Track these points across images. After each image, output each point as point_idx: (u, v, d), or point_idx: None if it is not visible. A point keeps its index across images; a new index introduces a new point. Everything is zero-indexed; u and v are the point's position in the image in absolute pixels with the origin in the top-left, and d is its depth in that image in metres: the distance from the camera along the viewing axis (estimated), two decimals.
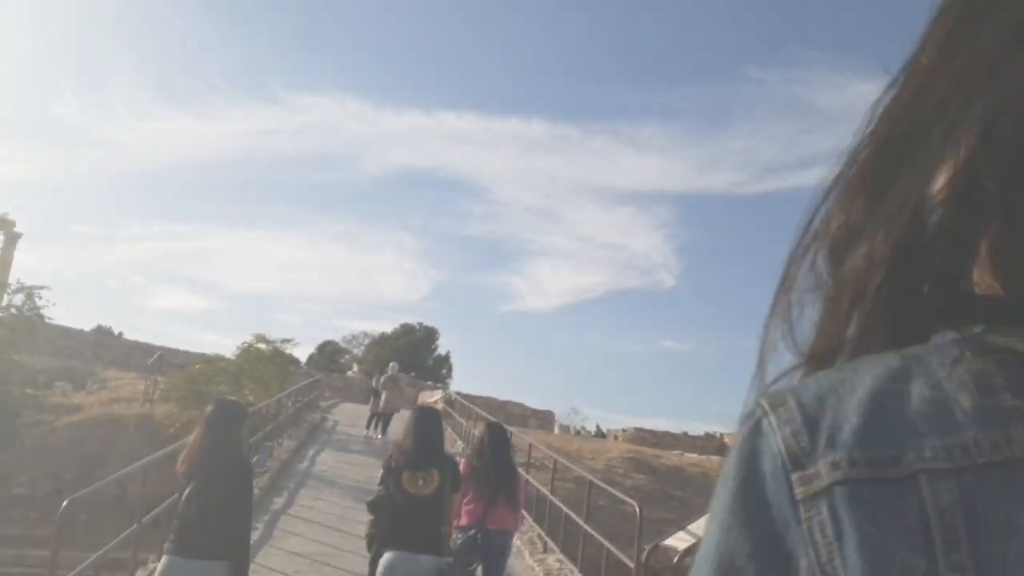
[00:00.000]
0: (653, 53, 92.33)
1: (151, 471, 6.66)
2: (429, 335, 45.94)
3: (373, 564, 4.47)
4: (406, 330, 45.76)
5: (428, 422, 4.71)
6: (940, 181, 0.39)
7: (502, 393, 28.30)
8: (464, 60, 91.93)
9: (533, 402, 28.11)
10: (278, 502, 10.18)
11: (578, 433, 30.06)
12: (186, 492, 4.20)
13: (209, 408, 4.58)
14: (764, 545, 0.36)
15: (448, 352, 45.99)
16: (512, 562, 7.85)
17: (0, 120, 70.74)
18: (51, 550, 5.02)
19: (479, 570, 5.61)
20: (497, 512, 5.52)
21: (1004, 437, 0.33)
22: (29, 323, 21.09)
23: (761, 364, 0.43)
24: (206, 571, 4.03)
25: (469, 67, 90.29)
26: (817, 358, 0.42)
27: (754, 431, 0.38)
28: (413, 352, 42.01)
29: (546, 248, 77.60)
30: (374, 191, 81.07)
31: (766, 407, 0.39)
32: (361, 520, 9.52)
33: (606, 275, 77.69)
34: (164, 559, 4.20)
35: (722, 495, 0.38)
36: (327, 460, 13.62)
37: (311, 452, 14.12)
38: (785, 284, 0.43)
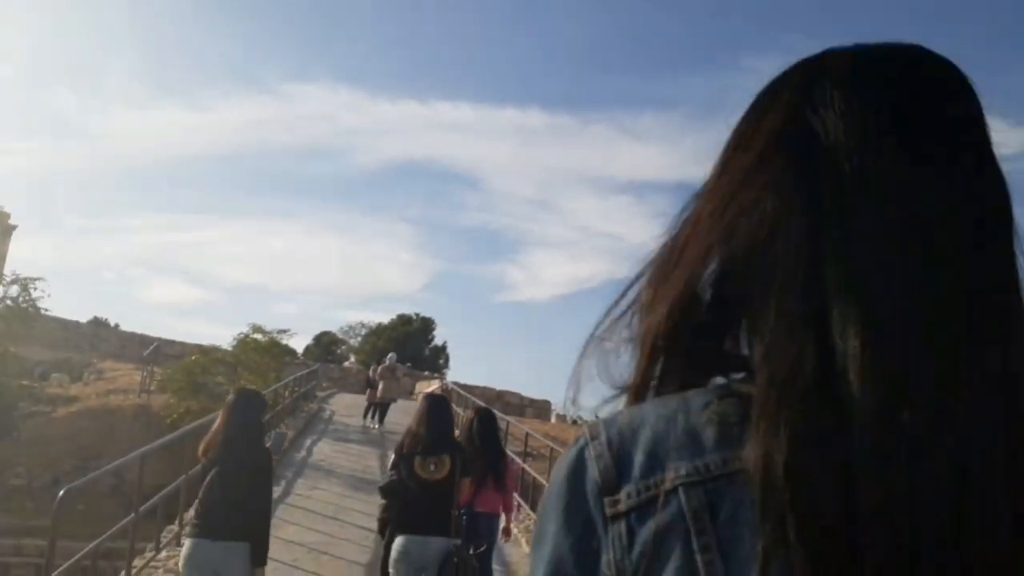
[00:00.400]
0: (650, 42, 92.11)
1: (148, 461, 6.65)
2: (426, 325, 45.96)
3: (387, 548, 4.63)
4: (403, 320, 45.77)
5: (439, 409, 4.88)
6: (709, 270, 0.57)
7: (499, 383, 28.34)
8: (460, 49, 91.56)
9: (531, 392, 28.10)
10: (276, 491, 10.14)
11: (575, 422, 30.13)
12: (209, 477, 4.34)
13: (230, 397, 4.73)
14: (583, 546, 0.53)
15: (445, 342, 45.99)
16: (510, 550, 7.88)
17: None
18: (48, 540, 5.02)
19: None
20: (485, 494, 5.73)
21: (732, 456, 0.51)
22: (25, 314, 21.07)
23: (577, 389, 0.61)
24: (229, 551, 4.17)
25: (465, 57, 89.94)
26: (634, 390, 0.59)
27: (578, 457, 0.56)
28: (410, 342, 42.03)
29: (543, 238, 77.57)
30: (370, 182, 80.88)
31: (588, 437, 0.56)
32: (358, 509, 9.56)
33: (604, 265, 77.61)
34: (188, 542, 4.33)
35: (556, 504, 0.55)
36: (324, 450, 13.64)
37: (308, 442, 14.13)
38: (600, 334, 0.60)
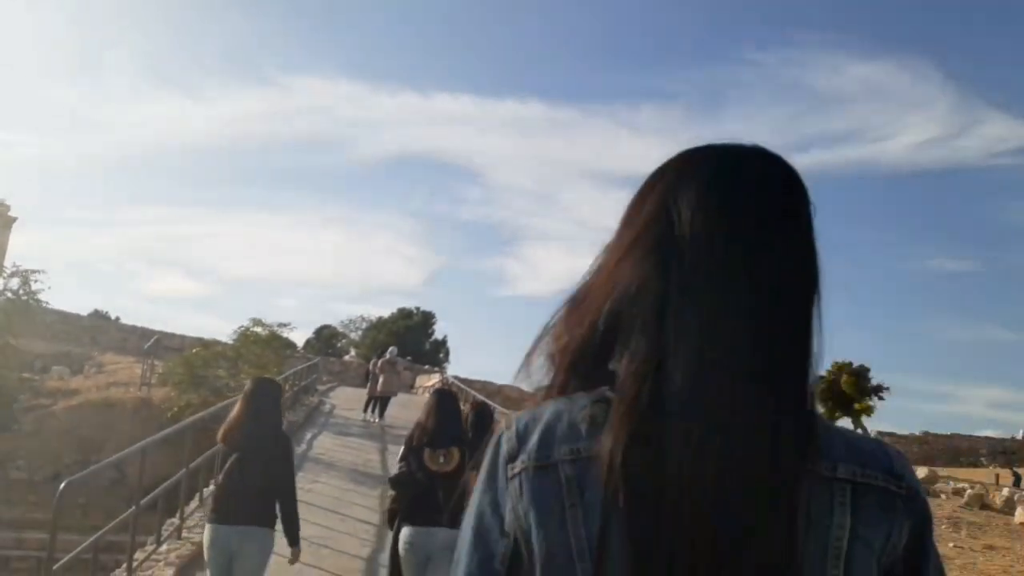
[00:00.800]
0: (651, 34, 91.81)
1: (149, 454, 6.66)
2: (426, 319, 45.96)
3: (395, 539, 4.69)
4: (403, 314, 45.77)
5: (448, 403, 4.96)
6: (606, 311, 0.79)
7: (499, 377, 28.32)
8: (460, 41, 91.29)
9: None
10: None
11: None
12: (229, 464, 4.48)
13: (248, 385, 4.85)
14: (497, 497, 0.79)
15: (445, 336, 46.03)
16: None
17: None
18: (49, 533, 5.02)
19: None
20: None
21: (593, 443, 0.74)
22: (25, 307, 21.03)
23: (528, 380, 0.86)
24: (245, 535, 4.31)
25: (465, 48, 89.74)
26: (546, 392, 0.84)
27: (497, 441, 0.82)
28: (410, 336, 42.04)
29: (543, 232, 77.60)
30: (370, 175, 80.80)
31: (504, 427, 0.82)
32: (358, 503, 9.57)
33: None
34: (207, 527, 4.46)
35: (482, 475, 0.81)
36: (325, 443, 13.65)
37: (309, 435, 14.14)
38: (530, 354, 0.85)
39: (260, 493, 4.40)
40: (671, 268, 0.75)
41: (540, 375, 0.85)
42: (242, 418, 4.57)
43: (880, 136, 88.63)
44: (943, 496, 19.63)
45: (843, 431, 0.78)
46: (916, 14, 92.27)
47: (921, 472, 21.89)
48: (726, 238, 0.75)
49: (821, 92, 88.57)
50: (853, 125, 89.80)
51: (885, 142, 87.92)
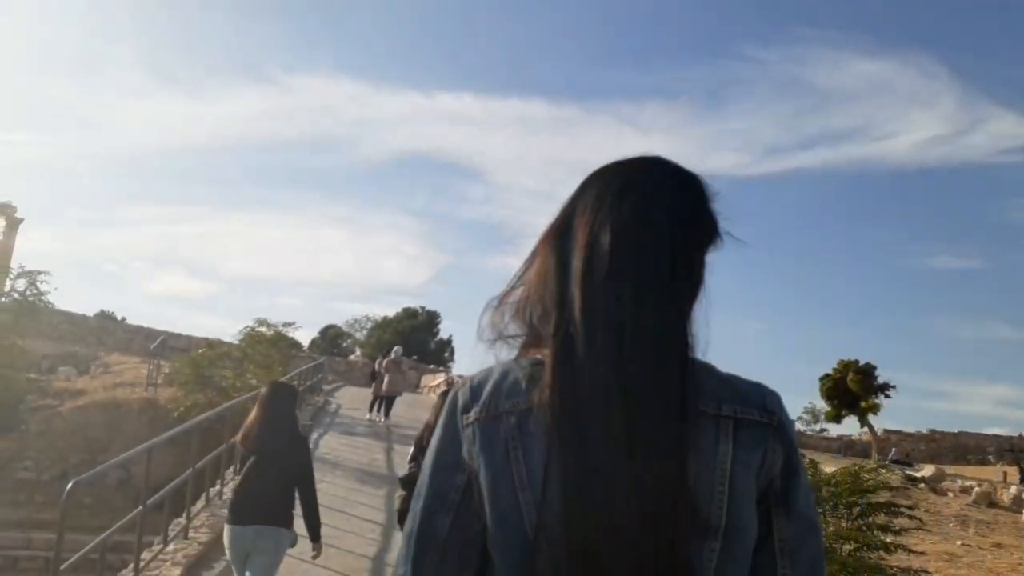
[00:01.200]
0: (653, 32, 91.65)
1: (155, 454, 6.67)
2: (431, 319, 45.96)
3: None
4: (408, 314, 45.78)
5: None
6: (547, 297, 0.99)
7: None
8: (463, 40, 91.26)
9: None
10: None
11: None
12: (247, 467, 4.62)
13: (264, 390, 4.96)
14: (454, 441, 0.96)
15: (450, 336, 45.96)
16: None
17: None
18: (57, 533, 5.03)
19: None
20: None
21: (531, 397, 0.92)
22: (32, 308, 21.11)
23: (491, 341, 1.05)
24: (259, 534, 4.45)
25: (468, 47, 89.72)
26: (523, 350, 1.02)
27: (454, 395, 0.99)
28: (415, 336, 42.06)
29: None
30: (373, 174, 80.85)
31: (460, 384, 1.01)
32: (364, 502, 9.58)
33: None
34: (225, 528, 4.63)
35: (442, 420, 0.99)
36: (331, 443, 13.66)
37: (315, 435, 14.15)
38: (483, 327, 1.05)
39: (276, 494, 4.53)
40: (570, 269, 0.95)
41: (490, 334, 1.05)
42: (258, 422, 4.70)
43: (885, 133, 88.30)
44: (950, 494, 19.55)
45: (728, 377, 0.96)
46: (921, 11, 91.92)
47: (928, 470, 21.82)
48: (611, 239, 0.93)
49: (825, 89, 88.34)
50: (857, 122, 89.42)
51: (890, 139, 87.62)
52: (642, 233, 0.93)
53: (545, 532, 0.87)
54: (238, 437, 4.87)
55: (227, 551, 4.62)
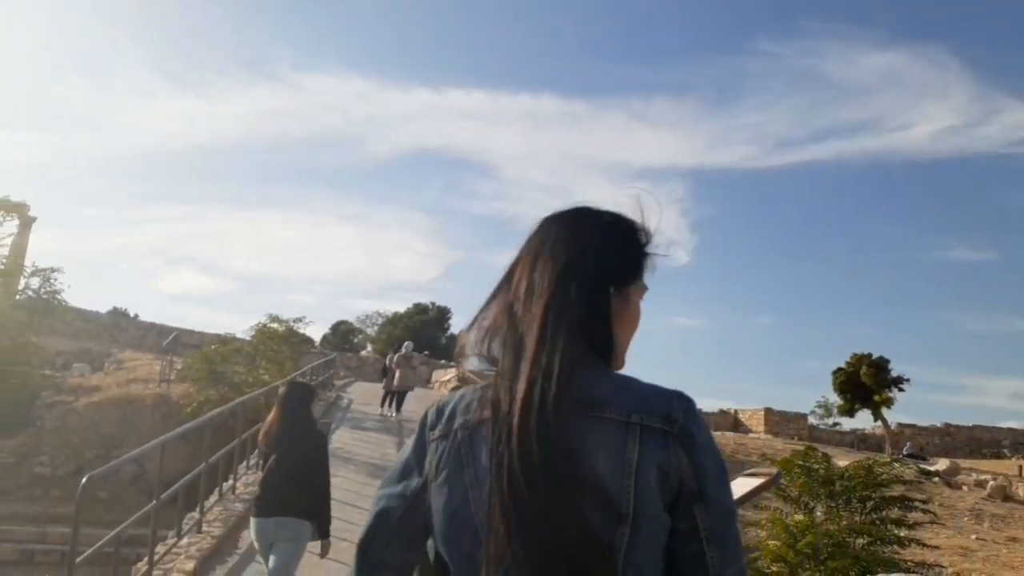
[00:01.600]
0: (663, 26, 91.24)
1: (168, 449, 6.71)
2: (442, 314, 46.02)
3: None
4: (419, 310, 45.87)
5: None
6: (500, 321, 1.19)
7: None
8: (472, 37, 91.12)
9: None
10: None
11: None
12: (268, 464, 4.85)
13: (282, 390, 5.15)
14: (419, 451, 1.19)
15: (461, 331, 46.02)
16: None
17: (8, 105, 71.00)
18: (72, 527, 5.07)
19: None
20: None
21: (481, 415, 1.12)
22: (47, 305, 21.29)
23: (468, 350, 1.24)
24: (280, 525, 4.69)
25: (478, 44, 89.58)
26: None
27: (426, 414, 1.22)
28: (426, 331, 42.14)
29: None
30: (383, 171, 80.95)
31: (431, 406, 1.23)
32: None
33: None
34: (251, 521, 4.91)
35: (414, 436, 1.22)
36: (342, 437, 13.71)
37: (326, 430, 14.21)
38: (460, 347, 1.24)
39: (296, 489, 4.74)
40: (513, 303, 1.15)
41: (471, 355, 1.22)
42: (277, 421, 4.92)
43: (898, 125, 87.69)
44: (965, 488, 19.41)
45: (640, 386, 1.10)
46: (932, 2, 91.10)
47: (942, 464, 21.68)
48: (529, 290, 1.14)
49: (838, 82, 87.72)
50: (870, 115, 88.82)
51: (903, 132, 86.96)
52: (553, 276, 1.14)
53: (491, 521, 1.05)
54: (259, 436, 5.07)
55: (254, 542, 4.90)
